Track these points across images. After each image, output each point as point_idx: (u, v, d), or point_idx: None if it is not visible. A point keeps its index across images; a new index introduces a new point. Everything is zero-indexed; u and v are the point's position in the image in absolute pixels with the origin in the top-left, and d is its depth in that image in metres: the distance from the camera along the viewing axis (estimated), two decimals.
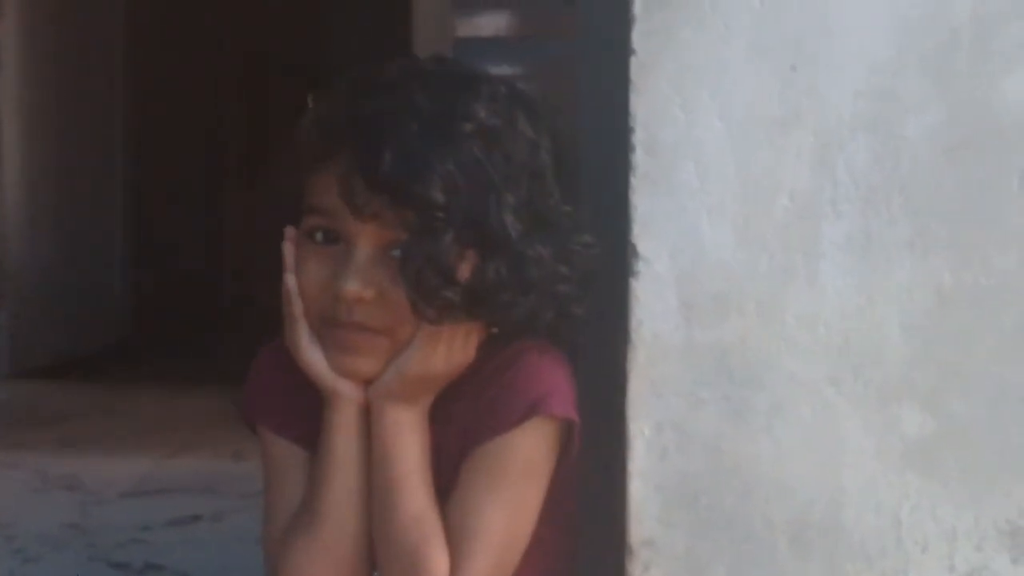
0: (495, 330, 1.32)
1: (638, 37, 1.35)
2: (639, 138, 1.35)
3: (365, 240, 1.27)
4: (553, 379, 1.34)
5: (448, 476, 1.32)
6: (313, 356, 1.30)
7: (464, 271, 1.26)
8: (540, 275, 1.29)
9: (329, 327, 1.30)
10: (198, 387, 4.32)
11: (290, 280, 1.30)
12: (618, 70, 1.37)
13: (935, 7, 1.35)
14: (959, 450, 1.36)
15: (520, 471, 1.32)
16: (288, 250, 1.31)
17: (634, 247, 1.35)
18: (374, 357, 1.29)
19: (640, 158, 1.36)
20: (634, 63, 1.35)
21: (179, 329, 5.50)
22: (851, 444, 1.36)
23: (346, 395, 1.30)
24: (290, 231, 1.32)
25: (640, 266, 1.36)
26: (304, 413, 1.36)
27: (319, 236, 1.29)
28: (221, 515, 2.57)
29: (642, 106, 1.36)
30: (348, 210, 1.25)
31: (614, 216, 1.34)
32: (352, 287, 1.26)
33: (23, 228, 4.71)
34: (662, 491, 1.37)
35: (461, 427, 1.33)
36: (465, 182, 1.25)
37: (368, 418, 1.31)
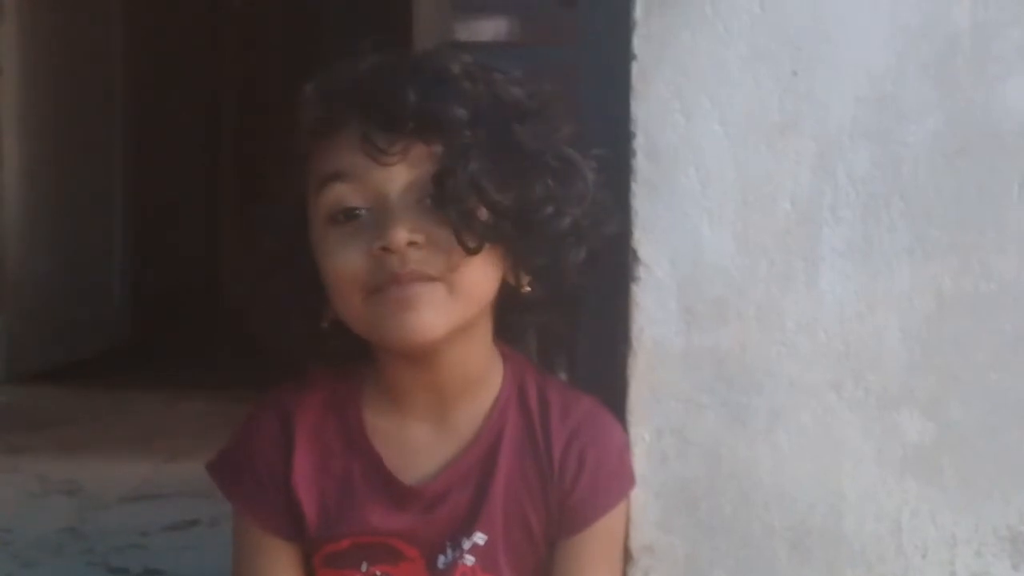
0: (526, 286, 1.29)
1: (639, 42, 1.35)
2: (640, 143, 1.36)
3: (396, 187, 1.23)
4: (627, 443, 1.35)
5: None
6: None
7: (508, 197, 1.23)
8: (584, 187, 1.27)
9: (382, 293, 1.23)
10: (197, 392, 4.31)
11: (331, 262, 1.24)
12: (619, 75, 1.37)
13: (935, 14, 1.35)
14: (959, 456, 1.36)
15: (622, 537, 1.35)
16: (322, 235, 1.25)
17: (635, 252, 1.35)
18: (434, 311, 1.23)
19: (641, 163, 1.36)
20: (635, 68, 1.35)
21: (178, 334, 5.50)
22: (851, 450, 1.36)
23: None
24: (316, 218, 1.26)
25: (641, 271, 1.36)
26: (288, 505, 1.31)
27: (342, 214, 1.24)
28: (219, 520, 2.55)
29: (643, 111, 1.35)
30: (372, 158, 1.22)
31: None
32: (400, 231, 1.21)
33: (23, 233, 4.70)
34: (662, 497, 1.37)
35: (515, 463, 1.31)
36: (487, 105, 1.25)
37: None
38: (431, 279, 1.23)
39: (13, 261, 4.67)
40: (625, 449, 1.34)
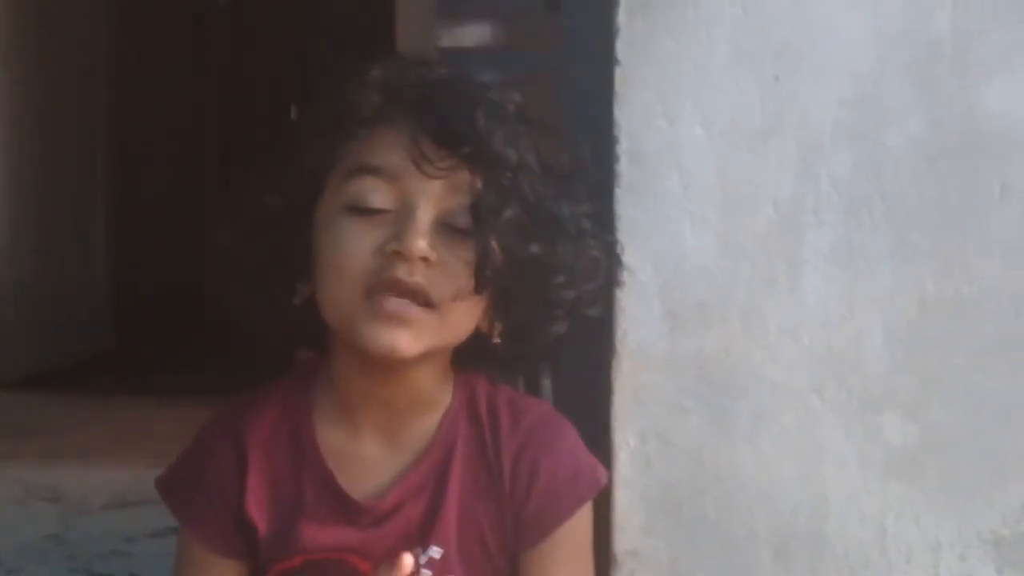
0: (497, 337, 1.28)
1: (622, 47, 1.36)
2: (623, 147, 1.36)
3: (427, 203, 1.21)
4: (582, 447, 1.31)
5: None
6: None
7: (532, 252, 1.22)
8: (596, 267, 1.26)
9: (378, 297, 1.20)
10: (180, 398, 4.30)
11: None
12: (602, 80, 1.37)
13: (916, 18, 1.35)
14: (942, 459, 1.36)
15: (588, 540, 1.32)
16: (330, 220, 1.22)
17: (618, 256, 1.36)
18: (419, 335, 1.21)
19: (624, 167, 1.36)
20: (618, 73, 1.36)
21: (161, 341, 5.49)
22: (834, 453, 1.36)
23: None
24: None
25: (624, 276, 1.36)
26: (238, 526, 1.30)
27: (362, 205, 1.21)
28: None
29: (626, 115, 1.36)
30: (417, 168, 1.20)
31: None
32: (420, 241, 1.19)
33: (4, 238, 4.69)
34: (646, 501, 1.37)
35: (468, 478, 1.29)
36: (532, 155, 1.24)
37: None
38: (430, 305, 1.22)
39: None
40: (579, 452, 1.30)
